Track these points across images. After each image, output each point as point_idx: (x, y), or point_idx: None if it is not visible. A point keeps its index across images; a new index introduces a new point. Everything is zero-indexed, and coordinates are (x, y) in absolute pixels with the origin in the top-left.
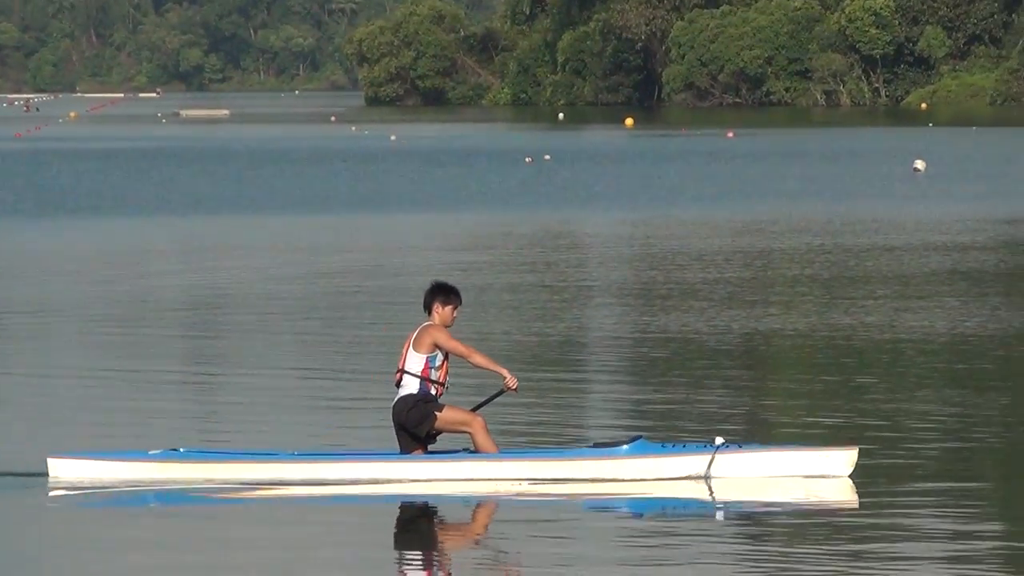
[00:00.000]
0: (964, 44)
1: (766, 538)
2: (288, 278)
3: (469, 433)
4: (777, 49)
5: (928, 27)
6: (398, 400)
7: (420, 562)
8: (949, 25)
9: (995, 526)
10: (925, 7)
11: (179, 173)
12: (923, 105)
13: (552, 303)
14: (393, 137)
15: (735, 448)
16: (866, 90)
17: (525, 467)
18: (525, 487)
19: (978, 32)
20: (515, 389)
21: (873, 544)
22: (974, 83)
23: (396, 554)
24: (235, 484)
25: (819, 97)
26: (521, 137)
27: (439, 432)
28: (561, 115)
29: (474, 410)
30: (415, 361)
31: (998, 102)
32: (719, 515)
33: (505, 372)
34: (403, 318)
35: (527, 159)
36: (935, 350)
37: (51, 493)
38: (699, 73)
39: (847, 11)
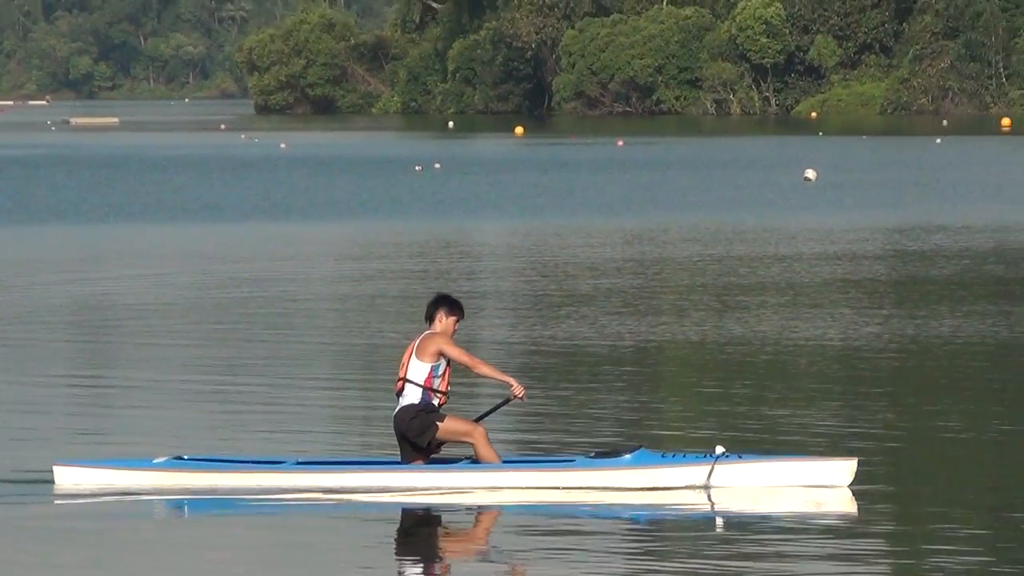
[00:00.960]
0: (854, 53)
1: (766, 548)
2: (189, 286)
3: (471, 443)
4: (667, 58)
5: (819, 36)
6: (400, 410)
7: (421, 572)
8: (840, 34)
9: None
10: (816, 16)
11: (69, 181)
12: (813, 114)
13: None
14: (283, 145)
15: (735, 458)
16: (756, 99)
17: (527, 477)
18: (526, 496)
19: (868, 41)
20: (522, 397)
21: (873, 554)
22: (864, 92)
23: (397, 563)
24: (238, 491)
25: (709, 106)
26: (411, 145)
27: (442, 442)
28: (451, 123)
29: (479, 419)
30: (418, 370)
31: (888, 111)
32: (719, 525)
33: (512, 381)
34: (319, 325)
35: (417, 167)
36: (828, 359)
37: (56, 501)
38: (589, 82)
39: (738, 20)
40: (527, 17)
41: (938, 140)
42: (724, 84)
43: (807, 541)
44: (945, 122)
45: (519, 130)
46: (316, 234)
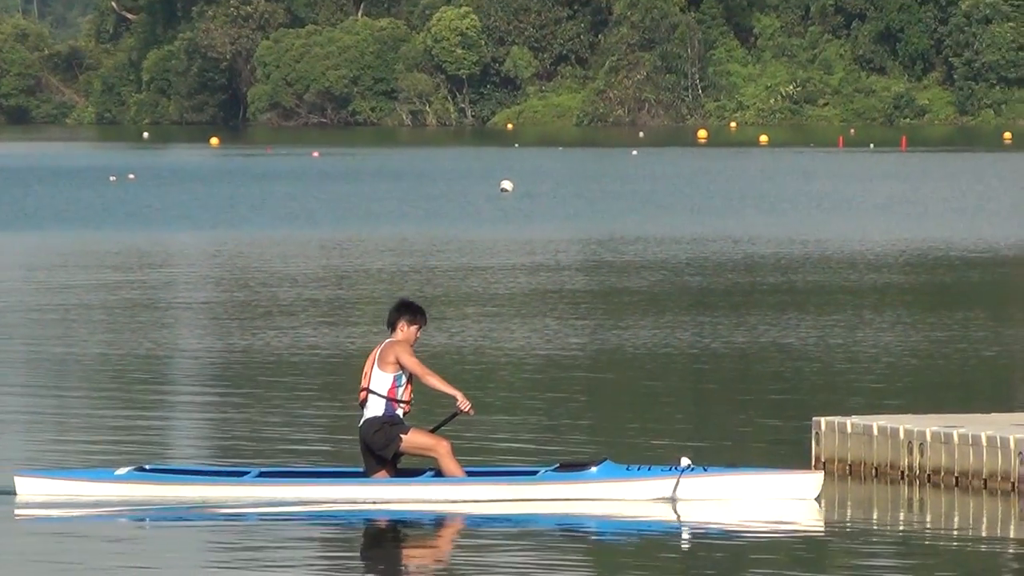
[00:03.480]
0: (550, 64)
1: (731, 560)
2: None
3: (435, 457)
4: (363, 69)
5: (514, 47)
6: (364, 422)
7: None
8: (536, 46)
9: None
10: (512, 28)
11: None
12: (509, 125)
13: (143, 321)
14: None
15: (701, 471)
16: (452, 110)
17: (491, 490)
18: (491, 509)
19: (564, 53)
20: (469, 411)
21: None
22: (560, 104)
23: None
24: (201, 503)
25: (405, 117)
26: (106, 156)
27: (403, 454)
28: (146, 134)
29: (432, 432)
30: (381, 381)
31: (584, 123)
32: (684, 537)
33: (458, 395)
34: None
35: (111, 178)
36: (532, 369)
37: (17, 511)
38: (284, 93)
39: (433, 31)
40: (221, 28)
41: (634, 152)
42: (420, 95)
43: (774, 554)
44: (641, 134)
45: (214, 141)
46: (9, 245)
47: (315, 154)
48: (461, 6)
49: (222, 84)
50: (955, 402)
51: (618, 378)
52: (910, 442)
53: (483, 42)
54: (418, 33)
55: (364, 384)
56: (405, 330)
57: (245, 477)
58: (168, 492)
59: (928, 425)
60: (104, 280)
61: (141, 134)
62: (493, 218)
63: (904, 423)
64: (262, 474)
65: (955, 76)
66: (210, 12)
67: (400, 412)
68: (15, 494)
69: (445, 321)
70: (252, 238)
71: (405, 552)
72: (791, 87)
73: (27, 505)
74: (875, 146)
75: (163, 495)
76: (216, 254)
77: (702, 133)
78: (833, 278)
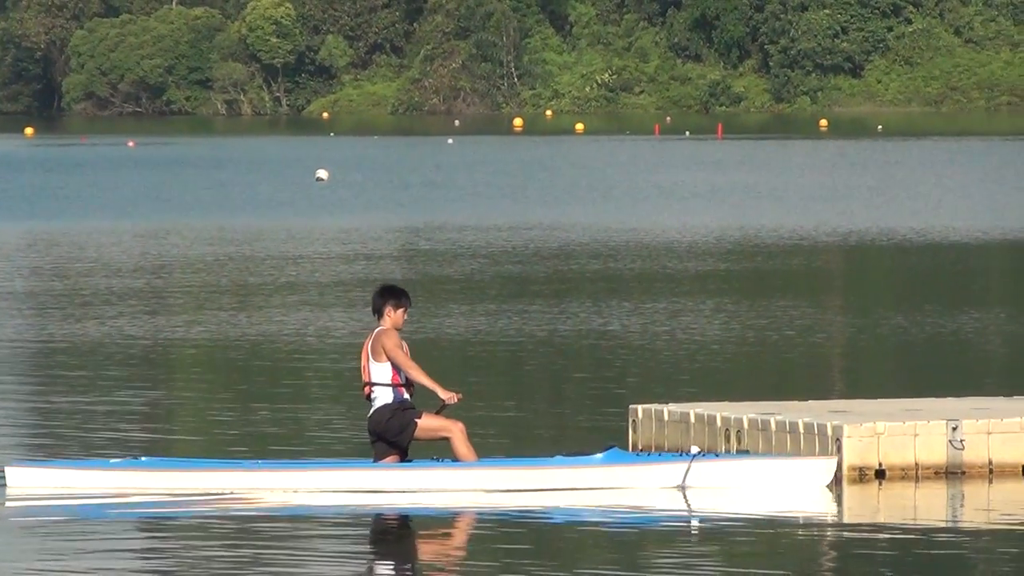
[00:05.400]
0: (366, 53)
1: (742, 548)
2: None
3: (448, 439)
4: (178, 58)
5: (329, 36)
6: (375, 411)
7: (392, 572)
8: (351, 34)
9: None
10: (326, 16)
11: None
12: (325, 114)
13: None
14: None
15: (712, 457)
16: (267, 99)
17: (501, 475)
18: (500, 495)
19: (380, 41)
20: (455, 400)
21: (848, 552)
22: (375, 92)
23: (366, 565)
24: (198, 493)
25: (220, 106)
26: None
27: (418, 438)
28: None
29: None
30: (380, 371)
31: (400, 111)
32: (694, 525)
33: (438, 388)
34: None
35: None
36: (350, 356)
37: (8, 503)
38: (99, 82)
39: (248, 20)
40: (36, 17)
41: (450, 140)
42: (235, 84)
43: (785, 541)
44: (457, 122)
45: (29, 131)
46: None
47: (130, 143)
48: None
49: (37, 74)
50: (773, 389)
51: (436, 367)
52: (727, 429)
53: (298, 31)
54: (233, 22)
55: (365, 379)
56: (392, 315)
57: (247, 463)
58: (164, 481)
59: (745, 412)
60: None
61: None
62: (309, 207)
63: (721, 410)
64: (263, 462)
65: (771, 63)
66: (24, 1)
67: (407, 395)
68: (5, 485)
69: (264, 310)
70: (68, 228)
71: (411, 538)
72: (607, 75)
73: (18, 496)
74: (691, 134)
75: (159, 484)
76: (32, 244)
77: (518, 121)
78: (652, 266)
